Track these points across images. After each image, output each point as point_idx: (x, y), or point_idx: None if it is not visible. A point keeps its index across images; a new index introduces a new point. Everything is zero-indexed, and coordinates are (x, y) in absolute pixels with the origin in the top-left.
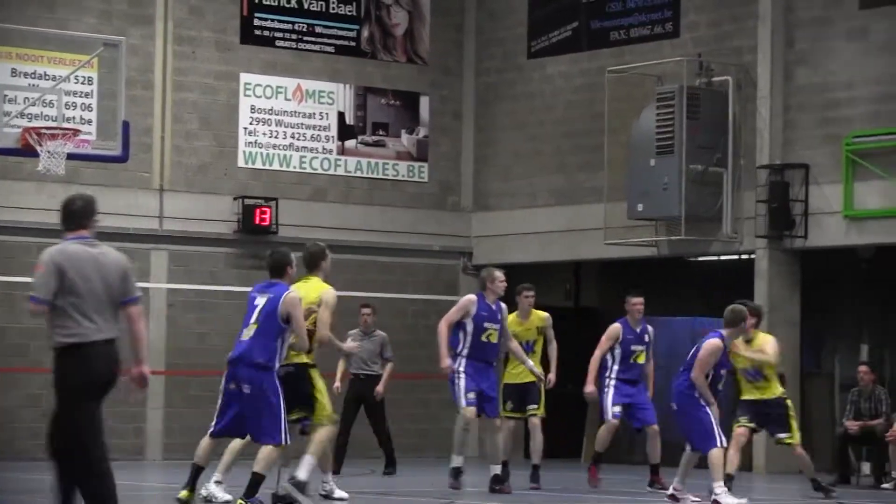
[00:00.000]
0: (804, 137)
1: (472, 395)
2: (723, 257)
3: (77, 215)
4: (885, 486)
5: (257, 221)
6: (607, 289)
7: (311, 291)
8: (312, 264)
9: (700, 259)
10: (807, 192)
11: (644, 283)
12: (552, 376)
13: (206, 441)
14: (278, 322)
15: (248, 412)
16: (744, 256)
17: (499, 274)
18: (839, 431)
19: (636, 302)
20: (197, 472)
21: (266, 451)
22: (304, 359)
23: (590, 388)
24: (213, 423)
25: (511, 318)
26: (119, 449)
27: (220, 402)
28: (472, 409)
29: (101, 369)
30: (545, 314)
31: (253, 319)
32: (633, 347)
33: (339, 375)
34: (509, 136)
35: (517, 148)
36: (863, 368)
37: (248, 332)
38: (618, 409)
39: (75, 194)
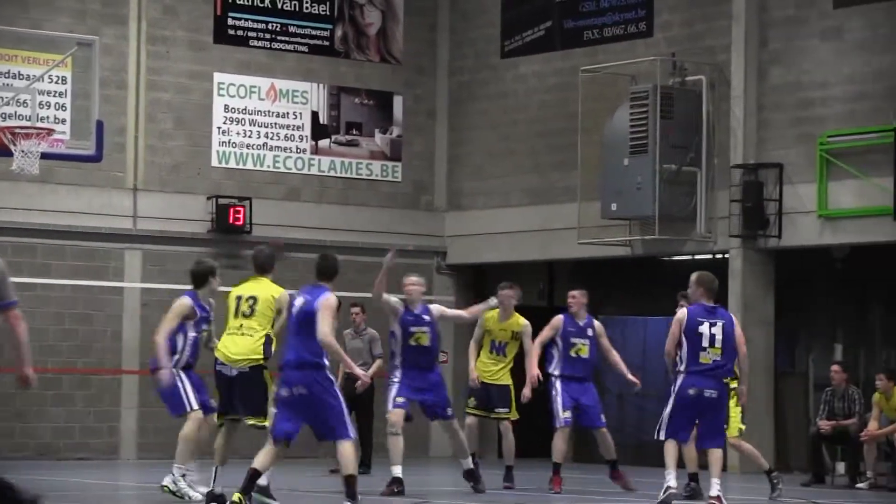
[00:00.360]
0: (778, 137)
1: (400, 399)
2: (697, 257)
3: None
4: (859, 485)
5: (231, 221)
6: (581, 288)
7: (266, 291)
8: (263, 268)
9: (674, 259)
10: (781, 191)
11: (618, 283)
12: (527, 391)
13: (268, 448)
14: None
15: (309, 414)
16: (718, 256)
17: (409, 279)
18: (812, 431)
19: (570, 294)
20: (252, 477)
21: (343, 450)
22: (257, 358)
23: (533, 370)
24: (272, 429)
25: (493, 314)
26: (93, 448)
27: (274, 409)
28: (398, 412)
29: None
30: (525, 322)
31: (293, 320)
32: (574, 340)
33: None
34: (483, 136)
35: (491, 147)
36: (835, 368)
37: (295, 337)
38: (567, 414)
39: None
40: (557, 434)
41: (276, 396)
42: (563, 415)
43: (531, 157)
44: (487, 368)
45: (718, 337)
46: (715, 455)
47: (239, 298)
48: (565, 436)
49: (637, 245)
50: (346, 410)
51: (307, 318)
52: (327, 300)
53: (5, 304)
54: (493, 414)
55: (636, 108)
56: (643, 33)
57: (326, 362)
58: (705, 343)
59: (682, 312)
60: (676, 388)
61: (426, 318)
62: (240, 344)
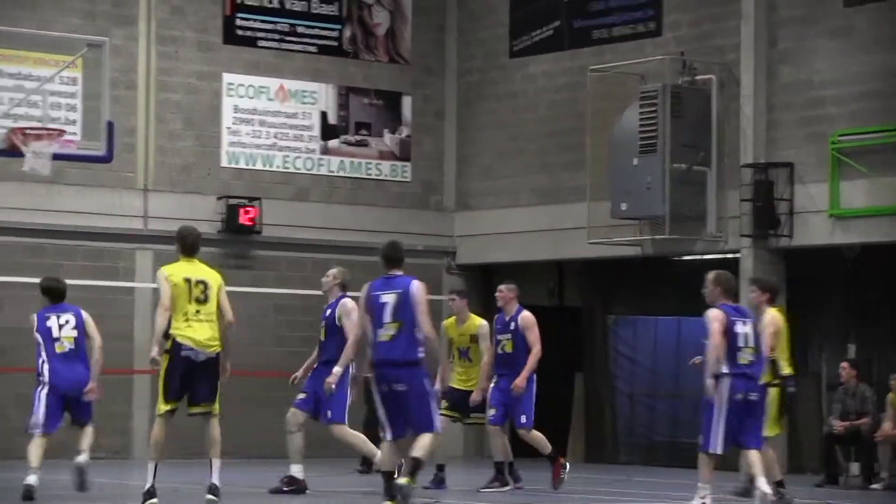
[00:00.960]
0: (788, 136)
1: (300, 396)
2: (707, 257)
3: None
4: (874, 486)
5: (242, 221)
6: (591, 288)
7: (213, 277)
8: (195, 248)
9: (684, 258)
10: (792, 191)
11: (628, 283)
12: (475, 396)
13: (386, 446)
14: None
15: (406, 407)
16: (728, 256)
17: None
18: (825, 431)
19: (497, 289)
20: (388, 479)
21: (427, 438)
22: (221, 344)
23: (483, 383)
24: (386, 430)
25: (450, 322)
26: (105, 448)
27: (379, 408)
28: (294, 412)
29: None
30: (481, 321)
31: (388, 318)
32: (500, 337)
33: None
34: (492, 136)
35: (500, 147)
36: (844, 366)
37: (386, 333)
38: (492, 412)
39: None
40: (491, 435)
41: (378, 392)
42: (488, 412)
43: (540, 156)
44: (460, 375)
45: (751, 336)
46: (755, 455)
47: (189, 281)
48: (496, 433)
49: (647, 245)
50: (435, 403)
51: (408, 311)
52: (421, 292)
53: None
54: (467, 419)
55: (645, 108)
56: (652, 33)
57: (422, 355)
58: (741, 343)
59: (718, 312)
60: (724, 394)
61: (328, 311)
62: (207, 330)
